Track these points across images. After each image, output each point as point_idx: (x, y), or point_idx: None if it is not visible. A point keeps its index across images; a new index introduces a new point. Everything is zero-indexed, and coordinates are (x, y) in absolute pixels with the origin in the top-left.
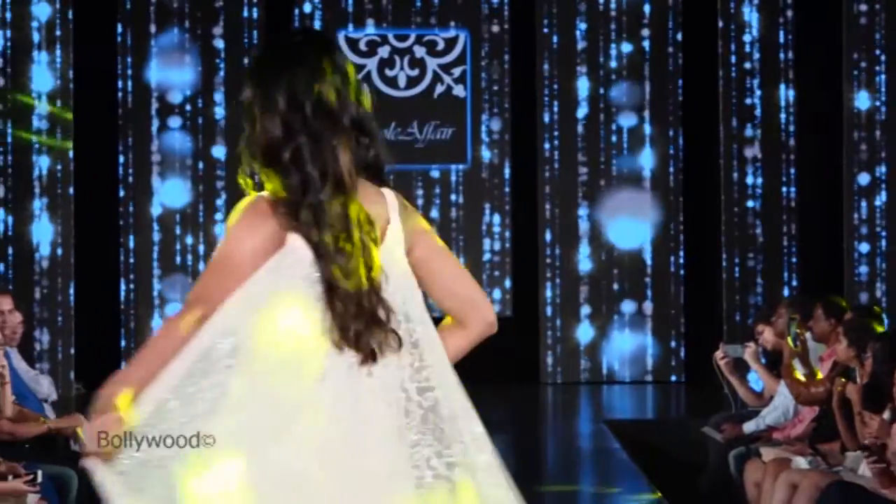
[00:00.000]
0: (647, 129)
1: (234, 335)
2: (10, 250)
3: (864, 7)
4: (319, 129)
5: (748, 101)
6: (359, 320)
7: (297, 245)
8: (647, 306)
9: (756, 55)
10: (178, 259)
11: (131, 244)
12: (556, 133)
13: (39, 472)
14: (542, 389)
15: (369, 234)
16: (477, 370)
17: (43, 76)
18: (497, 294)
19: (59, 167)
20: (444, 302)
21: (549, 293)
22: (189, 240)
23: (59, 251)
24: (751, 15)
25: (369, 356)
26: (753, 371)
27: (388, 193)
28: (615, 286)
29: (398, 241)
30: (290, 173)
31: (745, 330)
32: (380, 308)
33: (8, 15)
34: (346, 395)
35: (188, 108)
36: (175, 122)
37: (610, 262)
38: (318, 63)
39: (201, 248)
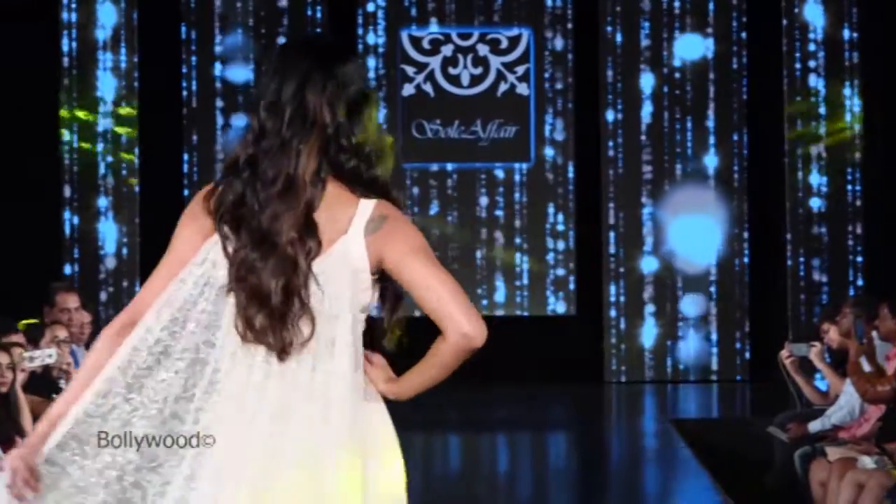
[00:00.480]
0: (712, 128)
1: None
2: (77, 251)
3: None
4: (291, 137)
5: (813, 99)
6: (262, 317)
7: (216, 249)
8: (712, 306)
9: (821, 53)
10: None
11: None
12: (619, 132)
13: None
14: (607, 389)
15: (307, 238)
16: (541, 370)
17: (107, 77)
18: (560, 294)
19: (123, 166)
20: (423, 307)
21: (612, 292)
22: None
23: (125, 251)
24: (815, 13)
25: (278, 351)
26: (819, 370)
27: (366, 204)
28: (679, 285)
29: (355, 247)
30: (240, 175)
31: (809, 329)
32: (291, 308)
33: (74, 16)
34: (252, 385)
35: (251, 107)
36: (239, 120)
37: (674, 261)
38: (314, 72)
39: None
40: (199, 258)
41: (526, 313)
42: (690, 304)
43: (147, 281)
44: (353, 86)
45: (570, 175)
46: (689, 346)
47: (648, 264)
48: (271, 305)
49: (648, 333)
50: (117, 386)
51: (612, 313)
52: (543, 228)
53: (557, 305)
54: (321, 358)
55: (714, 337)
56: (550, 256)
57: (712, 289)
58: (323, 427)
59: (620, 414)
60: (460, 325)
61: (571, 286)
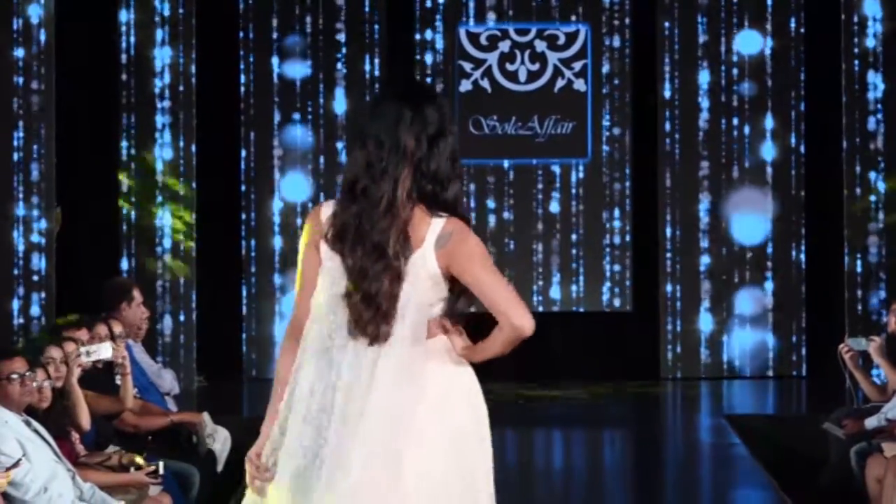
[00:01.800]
0: (769, 123)
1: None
2: (134, 244)
3: None
4: (389, 165)
5: (871, 94)
6: (368, 313)
7: (333, 258)
8: (769, 301)
9: (880, 48)
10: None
11: (253, 238)
12: (676, 127)
13: (161, 465)
14: (662, 385)
15: (404, 248)
16: (597, 365)
17: (165, 72)
18: (617, 289)
19: (181, 161)
20: (486, 305)
21: (669, 288)
22: None
23: (181, 244)
24: (874, 7)
25: (374, 340)
26: (877, 365)
27: (437, 222)
28: (736, 280)
29: (429, 257)
30: (357, 200)
31: (867, 324)
32: (386, 305)
33: (132, 13)
34: (355, 368)
35: (309, 102)
36: (296, 116)
37: (731, 256)
38: (406, 111)
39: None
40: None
41: (582, 309)
42: (747, 300)
43: (296, 299)
44: (433, 123)
45: (627, 171)
46: (746, 342)
47: (705, 259)
48: (378, 304)
49: (705, 328)
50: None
51: (669, 308)
52: (600, 224)
53: (614, 301)
54: (401, 341)
55: (770, 332)
56: (607, 252)
57: (768, 284)
58: (405, 388)
59: (676, 410)
60: (511, 319)
61: (628, 282)
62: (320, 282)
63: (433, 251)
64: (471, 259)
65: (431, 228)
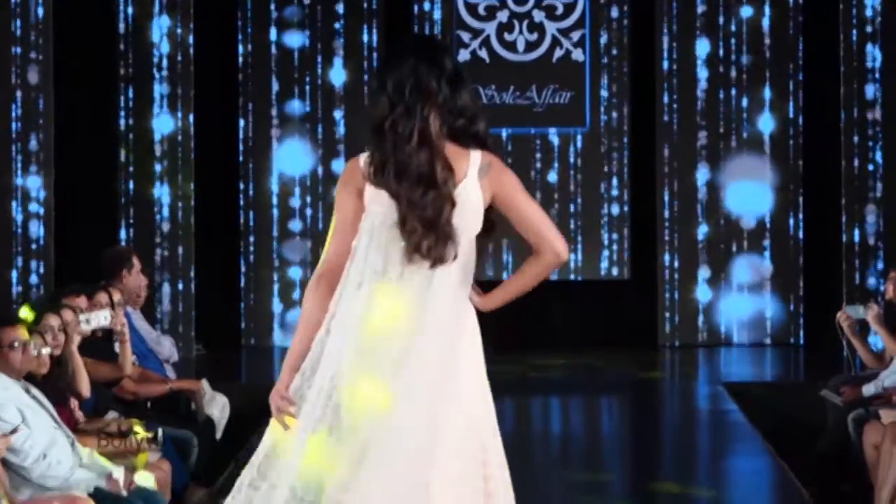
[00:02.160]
0: (767, 93)
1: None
2: (132, 213)
3: None
4: (413, 103)
5: (869, 64)
6: (429, 238)
7: (379, 195)
8: (767, 269)
9: (878, 18)
10: (297, 222)
11: (251, 207)
12: (675, 97)
13: (160, 431)
14: (660, 352)
15: (450, 177)
16: (595, 334)
17: (163, 42)
18: (615, 258)
19: (179, 133)
20: (523, 235)
21: (667, 257)
22: (308, 202)
23: (180, 215)
24: None
25: (435, 262)
26: (876, 333)
27: (475, 154)
28: (734, 250)
29: (472, 188)
30: (386, 137)
31: (864, 292)
32: (447, 230)
33: None
34: (417, 290)
35: (307, 72)
36: (294, 86)
37: (729, 225)
38: (421, 60)
39: (320, 211)
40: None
41: (580, 278)
42: (744, 269)
43: (329, 242)
44: (450, 69)
45: (626, 141)
46: (743, 311)
47: (703, 229)
48: (437, 229)
49: (703, 297)
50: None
51: (667, 276)
52: (598, 194)
53: (612, 270)
54: (457, 267)
55: (768, 301)
56: (605, 222)
57: (766, 253)
58: (447, 313)
59: (674, 377)
60: (554, 246)
61: (626, 251)
62: (365, 225)
63: (476, 181)
64: (514, 187)
65: (471, 161)
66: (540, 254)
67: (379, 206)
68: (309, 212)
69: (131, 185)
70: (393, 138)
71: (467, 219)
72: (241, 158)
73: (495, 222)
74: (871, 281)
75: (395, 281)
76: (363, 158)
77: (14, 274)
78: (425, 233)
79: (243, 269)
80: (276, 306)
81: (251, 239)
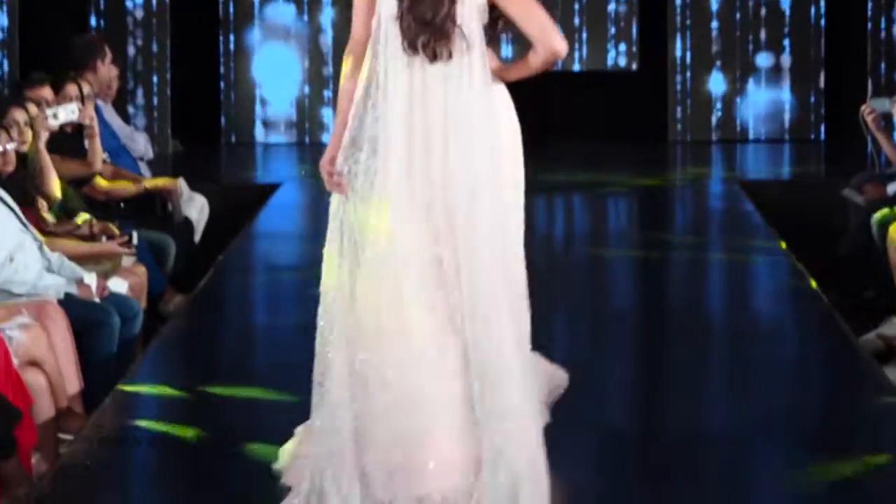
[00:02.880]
0: None
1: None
2: (102, 2)
3: None
4: None
5: None
6: (425, 34)
7: None
8: (786, 59)
9: None
10: (284, 4)
11: None
12: None
13: (135, 234)
14: (671, 148)
15: None
16: (601, 127)
17: None
18: (622, 47)
19: None
20: (522, 30)
21: (678, 45)
22: None
23: (154, 1)
24: None
25: (432, 57)
26: None
27: None
28: (750, 38)
29: None
30: None
31: (891, 84)
32: (447, 25)
33: None
34: (417, 82)
35: None
36: None
37: (745, 10)
38: None
39: None
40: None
41: (584, 68)
42: (762, 58)
43: (353, 21)
44: None
45: None
46: (760, 103)
47: (717, 13)
48: (434, 26)
49: (717, 88)
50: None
51: (678, 66)
52: None
53: (619, 61)
54: (465, 59)
55: (787, 92)
56: (611, 7)
57: (786, 41)
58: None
59: (686, 175)
60: (551, 44)
61: (634, 42)
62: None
63: None
64: None
65: None
66: (536, 50)
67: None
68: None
69: None
70: None
71: (471, 13)
72: None
73: (500, 18)
74: None
75: (404, 69)
76: None
77: None
78: (420, 28)
79: (222, 57)
80: (259, 100)
81: (231, 26)
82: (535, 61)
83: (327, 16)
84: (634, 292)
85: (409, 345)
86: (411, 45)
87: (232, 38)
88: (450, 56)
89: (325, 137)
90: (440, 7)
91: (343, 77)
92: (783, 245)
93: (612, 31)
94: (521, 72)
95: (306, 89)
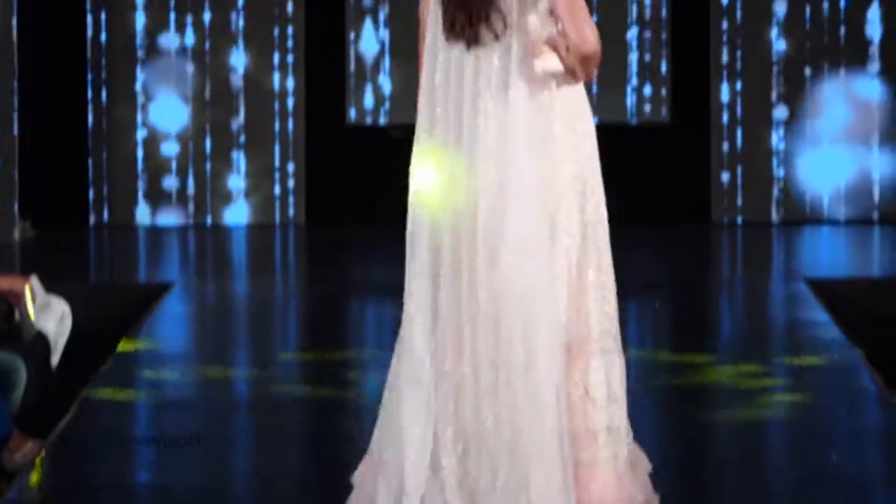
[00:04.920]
0: None
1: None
2: None
3: None
4: None
5: None
6: (463, 17)
7: None
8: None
9: None
10: (169, 37)
11: (103, 13)
12: None
13: None
14: (715, 232)
15: None
16: (616, 201)
17: None
18: (648, 89)
19: None
20: (561, 24)
21: (724, 89)
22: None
23: None
24: None
25: (471, 42)
26: None
27: None
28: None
29: None
30: None
31: None
32: (491, 10)
33: None
34: (456, 67)
35: None
36: None
37: (817, 35)
38: None
39: (206, 14)
40: None
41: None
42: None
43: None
44: None
45: None
46: (839, 171)
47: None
48: (470, 7)
49: (777, 147)
50: None
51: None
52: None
53: (643, 107)
54: (509, 46)
55: (876, 156)
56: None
57: (874, 80)
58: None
59: (734, 269)
60: (574, 39)
61: (663, 77)
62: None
63: None
64: None
65: None
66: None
67: None
68: (188, 16)
69: None
70: None
71: (521, 7)
72: None
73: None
74: None
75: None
76: None
77: None
78: (458, 9)
79: (91, 105)
80: (141, 162)
81: (103, 62)
82: (571, 57)
83: (238, 59)
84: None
85: None
86: (451, 28)
87: (105, 76)
88: (495, 39)
89: (231, 216)
90: None
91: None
92: (871, 369)
93: (635, 66)
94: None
95: (207, 147)
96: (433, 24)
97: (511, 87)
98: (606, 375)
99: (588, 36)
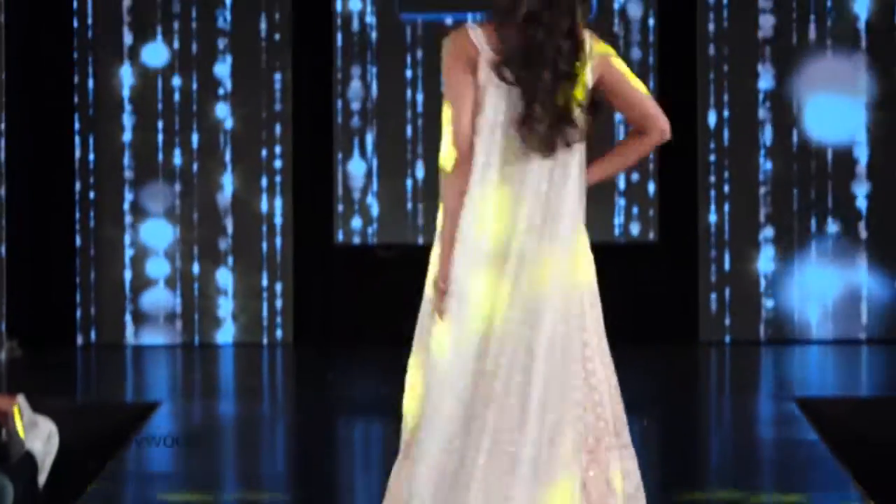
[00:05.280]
0: None
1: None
2: None
3: None
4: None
5: None
6: (546, 127)
7: (497, 83)
8: (863, 226)
9: None
10: (161, 157)
11: (91, 135)
12: None
13: None
14: (702, 352)
15: (581, 65)
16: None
17: None
18: (635, 209)
19: None
20: (626, 114)
21: (712, 209)
22: (176, 127)
23: None
24: None
25: (548, 148)
26: None
27: (586, 34)
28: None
29: (587, 72)
30: (536, 28)
31: None
32: (572, 116)
33: None
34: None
35: None
36: None
37: (804, 163)
38: None
39: (195, 136)
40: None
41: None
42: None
43: (454, 125)
44: None
45: None
46: (828, 289)
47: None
48: (559, 114)
49: (764, 268)
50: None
51: (712, 240)
52: None
53: (630, 227)
54: (568, 156)
55: (864, 275)
56: None
57: (862, 200)
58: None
59: (721, 389)
60: (660, 123)
61: (650, 197)
62: (487, 104)
63: (589, 63)
64: (622, 66)
65: (587, 38)
66: (647, 132)
67: (498, 94)
68: (177, 137)
69: None
70: (543, 31)
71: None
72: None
73: (601, 103)
74: None
75: (518, 166)
76: (478, 35)
77: None
78: (553, 120)
79: (78, 226)
80: (129, 281)
81: (90, 181)
82: (641, 146)
83: (227, 179)
84: None
85: None
86: (537, 143)
87: (93, 196)
88: (570, 145)
89: (221, 336)
90: (568, 91)
91: (451, 194)
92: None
93: (622, 186)
94: (618, 163)
95: (195, 269)
96: (492, 114)
97: (580, 196)
98: (626, 469)
99: (668, 126)
